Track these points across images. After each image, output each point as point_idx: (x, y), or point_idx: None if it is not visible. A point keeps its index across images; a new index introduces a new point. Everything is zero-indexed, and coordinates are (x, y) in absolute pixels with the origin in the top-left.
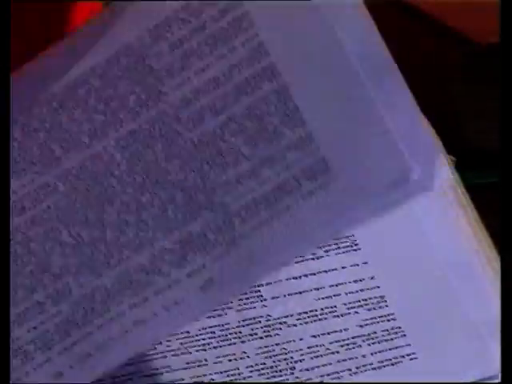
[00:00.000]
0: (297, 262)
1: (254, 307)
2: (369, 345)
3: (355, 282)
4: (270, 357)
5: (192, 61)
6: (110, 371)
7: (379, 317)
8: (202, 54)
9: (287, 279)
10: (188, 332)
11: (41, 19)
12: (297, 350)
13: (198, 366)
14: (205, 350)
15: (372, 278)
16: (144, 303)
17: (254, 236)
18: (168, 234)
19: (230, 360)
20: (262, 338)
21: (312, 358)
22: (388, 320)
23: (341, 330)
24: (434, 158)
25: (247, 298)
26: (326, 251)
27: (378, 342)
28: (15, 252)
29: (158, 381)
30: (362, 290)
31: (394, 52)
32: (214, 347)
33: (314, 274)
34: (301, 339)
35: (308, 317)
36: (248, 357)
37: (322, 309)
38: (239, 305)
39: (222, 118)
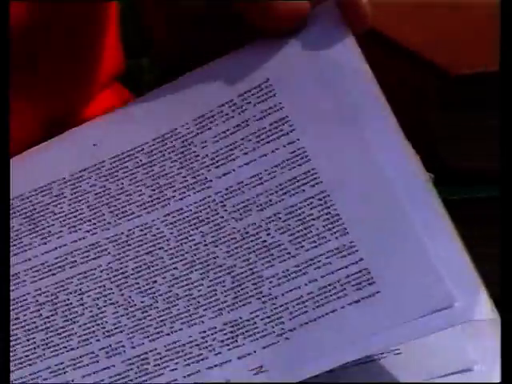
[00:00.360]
0: None
1: None
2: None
3: None
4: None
5: (236, 154)
6: None
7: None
8: (245, 149)
9: None
10: None
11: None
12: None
13: None
14: None
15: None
16: (196, 375)
17: (304, 332)
18: (218, 315)
19: None
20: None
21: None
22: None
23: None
24: (477, 286)
25: None
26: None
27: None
28: (67, 300)
29: None
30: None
31: (378, 78)
32: None
33: None
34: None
35: None
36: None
37: None
38: None
39: (267, 214)
